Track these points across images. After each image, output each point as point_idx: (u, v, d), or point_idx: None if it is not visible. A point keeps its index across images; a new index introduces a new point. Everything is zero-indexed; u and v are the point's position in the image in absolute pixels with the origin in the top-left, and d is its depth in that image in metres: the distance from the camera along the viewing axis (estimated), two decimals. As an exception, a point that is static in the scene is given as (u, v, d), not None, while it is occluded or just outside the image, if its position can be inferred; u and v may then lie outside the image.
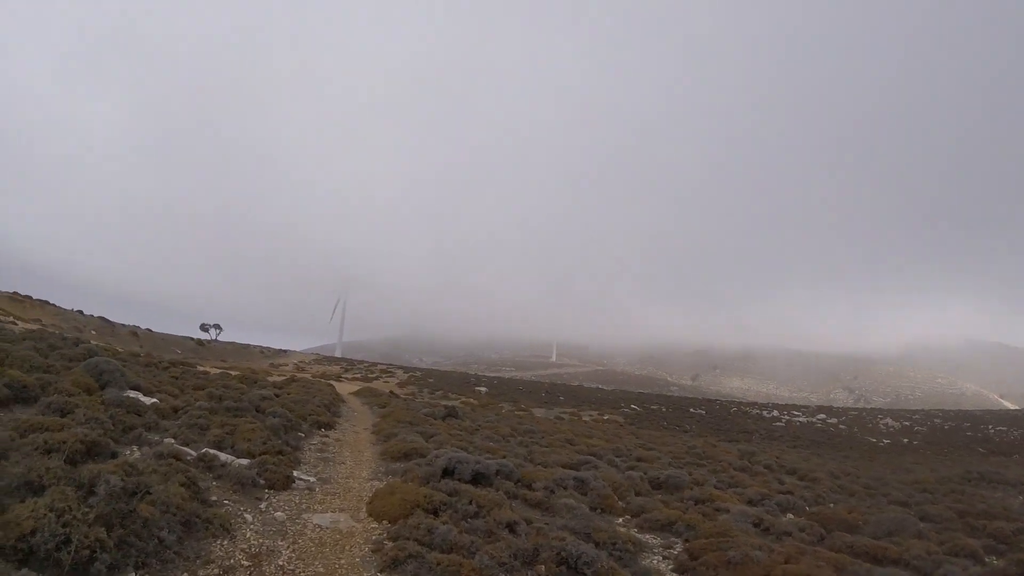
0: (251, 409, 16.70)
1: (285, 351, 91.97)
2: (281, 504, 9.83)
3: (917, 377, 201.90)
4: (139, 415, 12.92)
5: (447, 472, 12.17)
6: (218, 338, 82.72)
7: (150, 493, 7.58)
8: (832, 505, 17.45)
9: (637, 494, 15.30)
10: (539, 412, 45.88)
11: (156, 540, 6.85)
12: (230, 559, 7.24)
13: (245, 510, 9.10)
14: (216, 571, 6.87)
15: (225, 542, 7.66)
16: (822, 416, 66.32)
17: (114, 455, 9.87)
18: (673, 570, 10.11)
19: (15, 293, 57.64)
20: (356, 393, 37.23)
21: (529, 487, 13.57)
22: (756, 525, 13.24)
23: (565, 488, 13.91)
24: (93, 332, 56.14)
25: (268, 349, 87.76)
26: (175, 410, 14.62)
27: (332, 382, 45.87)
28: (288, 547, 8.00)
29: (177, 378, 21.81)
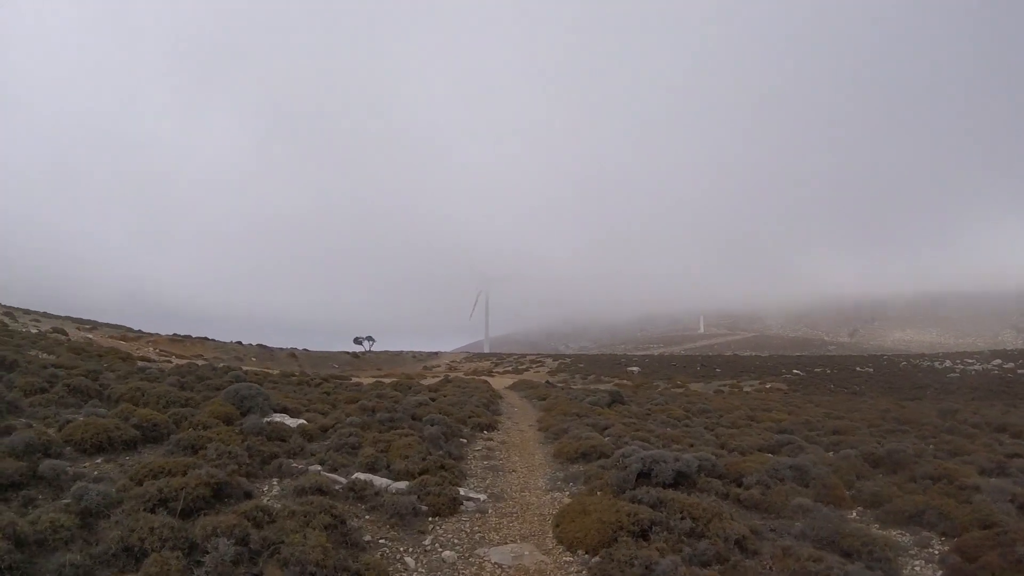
0: (406, 419, 15.11)
1: (436, 353, 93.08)
2: (449, 536, 7.82)
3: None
4: (283, 441, 11.49)
5: (642, 475, 9.68)
6: (372, 349, 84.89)
7: (280, 550, 5.69)
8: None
9: (859, 477, 12.24)
10: (696, 387, 43.27)
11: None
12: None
13: (405, 551, 7.16)
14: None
15: (383, 605, 5.64)
16: (998, 362, 59.36)
17: (248, 495, 8.28)
18: (949, 578, 7.13)
19: (174, 334, 60.61)
20: (512, 387, 35.70)
21: (738, 483, 10.90)
22: (1011, 502, 9.90)
23: (781, 480, 11.06)
24: (253, 359, 58.45)
25: (420, 353, 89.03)
26: (324, 430, 13.19)
27: (485, 378, 44.96)
28: (465, 601, 5.89)
29: (329, 393, 20.87)
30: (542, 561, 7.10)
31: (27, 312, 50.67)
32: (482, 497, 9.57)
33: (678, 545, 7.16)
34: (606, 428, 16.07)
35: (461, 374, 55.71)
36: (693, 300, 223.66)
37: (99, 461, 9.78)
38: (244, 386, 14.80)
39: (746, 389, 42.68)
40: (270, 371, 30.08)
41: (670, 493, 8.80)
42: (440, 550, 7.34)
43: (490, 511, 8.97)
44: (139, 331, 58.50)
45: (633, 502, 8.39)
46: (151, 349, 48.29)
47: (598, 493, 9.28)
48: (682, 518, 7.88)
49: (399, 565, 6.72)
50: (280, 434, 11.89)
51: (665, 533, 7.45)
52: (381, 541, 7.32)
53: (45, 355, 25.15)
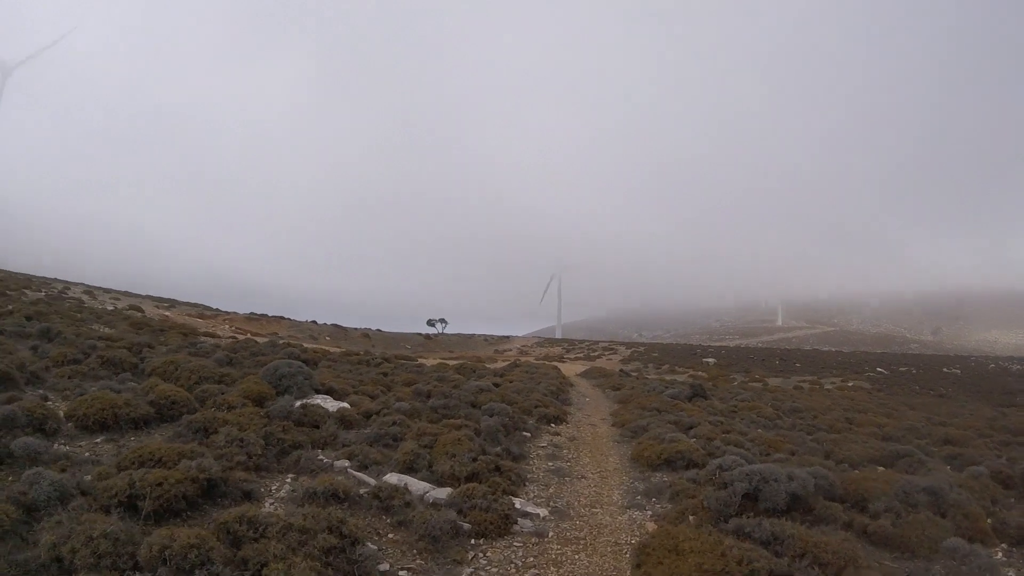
0: (464, 406, 13.40)
1: (508, 337, 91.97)
2: (493, 569, 5.98)
3: None
4: (315, 428, 9.92)
5: (747, 496, 7.55)
6: (444, 331, 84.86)
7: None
8: None
9: (993, 502, 9.82)
10: (775, 382, 40.80)
11: None
12: None
13: (433, 592, 5.30)
14: None
15: None
16: None
17: (248, 496, 6.69)
18: None
19: (251, 313, 60.73)
20: (583, 374, 33.70)
21: (861, 507, 8.61)
22: None
23: (914, 506, 8.66)
24: (327, 338, 58.16)
25: (491, 337, 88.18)
26: (367, 416, 11.57)
27: (556, 364, 43.31)
28: None
29: (387, 374, 19.39)
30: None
31: (108, 291, 51.32)
32: (542, 513, 7.65)
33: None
34: (691, 427, 13.90)
35: (531, 359, 54.15)
36: (772, 290, 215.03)
37: (99, 440, 8.48)
38: (284, 363, 13.37)
39: (827, 386, 39.99)
40: (330, 349, 29.01)
41: (787, 526, 6.67)
42: (480, 592, 5.49)
43: (551, 534, 7.04)
44: (216, 309, 59.14)
45: (739, 536, 6.35)
46: (227, 327, 48.36)
47: (691, 518, 7.24)
48: (810, 564, 5.80)
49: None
50: (313, 419, 10.35)
51: (791, 589, 5.37)
52: (401, 573, 5.52)
53: (105, 329, 24.86)
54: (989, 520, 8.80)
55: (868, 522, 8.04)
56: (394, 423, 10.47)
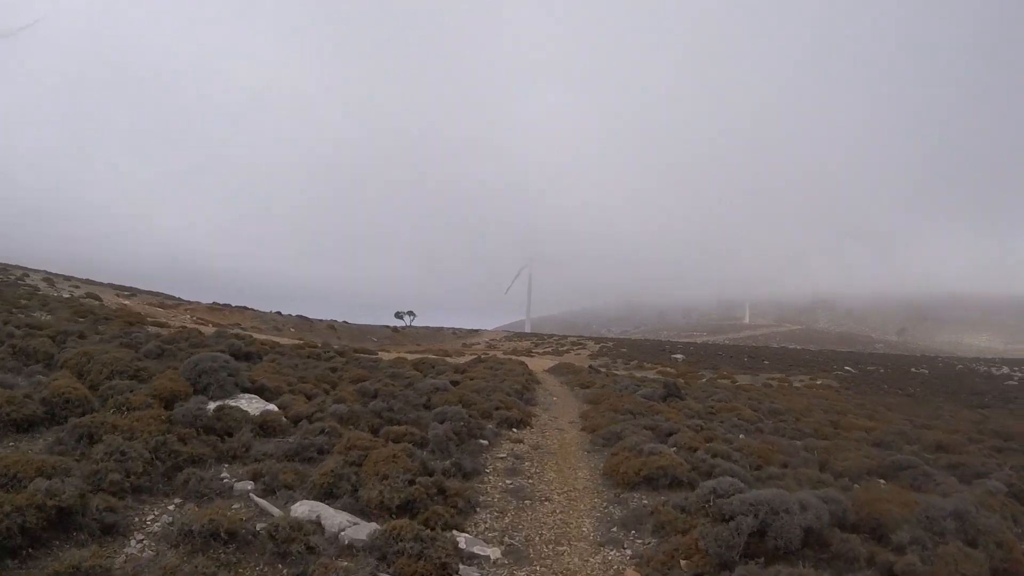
0: (412, 408, 11.72)
1: (477, 331, 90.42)
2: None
3: None
4: (227, 436, 8.19)
5: (755, 533, 6.02)
6: (412, 324, 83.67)
7: None
8: None
9: (1014, 521, 8.73)
10: (744, 379, 40.56)
11: None
12: None
13: None
14: None
15: None
16: None
17: (108, 529, 5.04)
18: None
19: (214, 303, 58.60)
20: (551, 370, 32.12)
21: (878, 537, 7.20)
22: None
23: (941, 534, 7.25)
24: (292, 330, 56.71)
25: (460, 330, 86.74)
26: (296, 421, 9.84)
27: (524, 358, 42.17)
28: None
29: (336, 370, 17.58)
30: None
31: (69, 279, 49.17)
32: (494, 555, 5.99)
33: None
34: (670, 434, 12.37)
35: (499, 353, 52.80)
36: (736, 291, 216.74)
37: (-43, 449, 6.70)
38: (207, 357, 11.51)
39: (796, 384, 39.69)
40: (280, 342, 27.03)
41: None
42: None
43: (504, 590, 5.41)
44: (178, 299, 57.07)
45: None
46: (188, 316, 46.74)
47: (683, 563, 5.67)
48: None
49: None
50: (227, 425, 8.62)
51: None
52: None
53: (46, 316, 22.95)
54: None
55: (893, 559, 6.57)
56: (323, 431, 8.75)
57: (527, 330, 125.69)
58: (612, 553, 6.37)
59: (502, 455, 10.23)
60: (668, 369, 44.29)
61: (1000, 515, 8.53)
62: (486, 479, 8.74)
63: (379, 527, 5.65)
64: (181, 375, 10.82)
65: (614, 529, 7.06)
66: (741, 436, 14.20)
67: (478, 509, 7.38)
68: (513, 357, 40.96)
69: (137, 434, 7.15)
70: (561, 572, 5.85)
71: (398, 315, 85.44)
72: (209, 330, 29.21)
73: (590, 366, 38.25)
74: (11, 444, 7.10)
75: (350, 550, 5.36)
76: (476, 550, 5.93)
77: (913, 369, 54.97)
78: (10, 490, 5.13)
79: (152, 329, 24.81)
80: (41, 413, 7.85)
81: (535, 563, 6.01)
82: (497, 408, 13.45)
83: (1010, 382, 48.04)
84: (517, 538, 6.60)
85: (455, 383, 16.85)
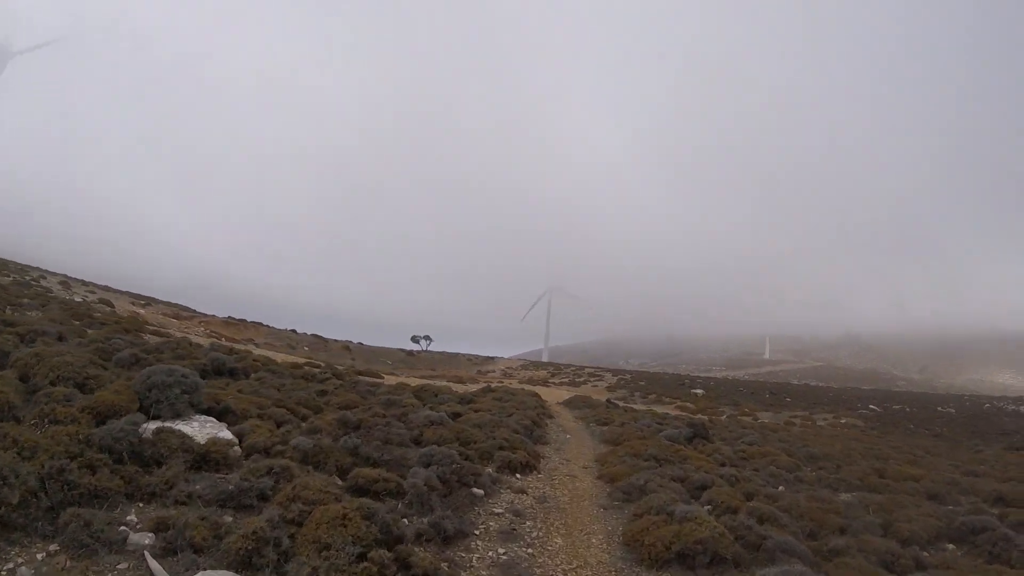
0: (400, 445, 9.94)
1: (493, 358, 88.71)
2: None
3: None
4: (155, 466, 6.51)
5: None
6: (428, 348, 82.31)
7: None
8: None
9: None
10: (765, 416, 39.15)
11: None
12: None
13: None
14: None
15: None
16: None
17: None
18: None
19: (230, 317, 57.91)
20: (567, 403, 30.14)
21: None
22: None
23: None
24: (306, 348, 55.70)
25: (476, 357, 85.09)
26: (248, 455, 8.09)
27: (539, 388, 40.64)
28: None
29: (325, 393, 15.80)
30: None
31: (86, 284, 48.35)
32: None
33: None
34: (702, 488, 10.43)
35: (515, 381, 51.18)
36: (756, 325, 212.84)
37: None
38: (163, 370, 9.81)
39: (820, 423, 37.80)
40: (277, 359, 25.35)
41: None
42: None
43: None
44: (194, 311, 56.23)
45: None
46: (201, 329, 45.80)
47: None
48: None
49: None
50: (159, 453, 6.89)
51: None
52: None
53: (36, 314, 21.94)
54: None
55: None
56: (270, 471, 6.97)
57: (544, 359, 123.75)
58: None
59: (499, 510, 8.31)
60: (687, 404, 42.83)
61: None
62: (473, 545, 6.83)
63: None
64: (132, 388, 9.20)
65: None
66: (781, 488, 12.24)
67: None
68: (527, 387, 39.12)
69: (39, 454, 5.53)
70: None
71: (414, 339, 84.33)
72: (202, 341, 27.79)
73: (608, 400, 36.11)
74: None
75: None
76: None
77: (939, 408, 52.38)
78: None
79: (149, 338, 23.54)
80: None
81: None
82: (500, 448, 11.55)
83: (1037, 421, 45.41)
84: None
85: (456, 415, 15.01)
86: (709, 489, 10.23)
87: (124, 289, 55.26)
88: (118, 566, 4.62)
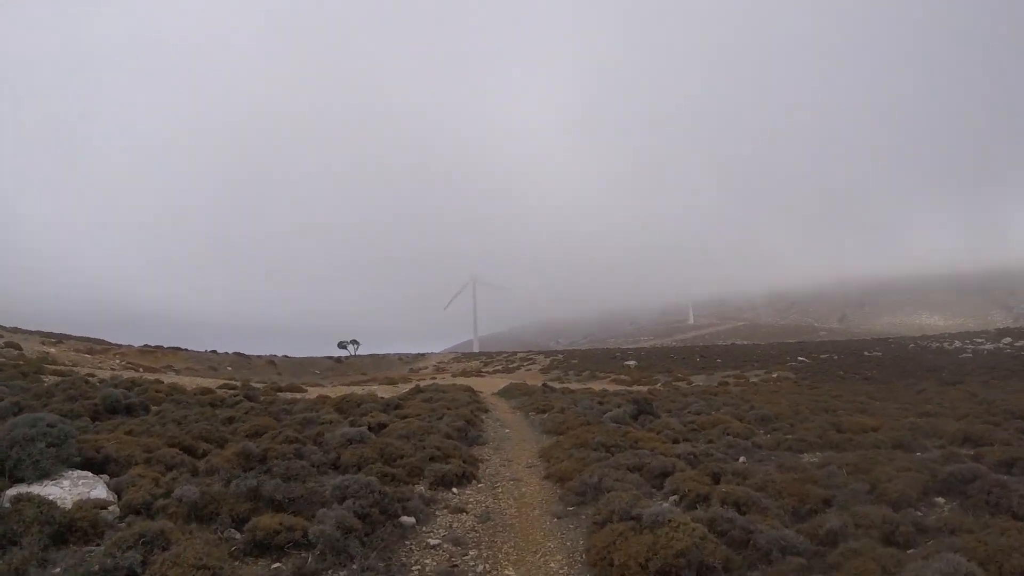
0: (314, 474, 8.57)
1: (424, 354, 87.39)
2: None
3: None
4: (12, 545, 5.02)
5: None
6: (356, 353, 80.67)
7: None
8: None
9: None
10: (699, 379, 40.07)
11: None
12: None
13: None
14: None
15: None
16: (1008, 340, 56.44)
17: None
18: None
19: (145, 345, 55.05)
20: (502, 392, 29.10)
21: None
22: None
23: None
24: (229, 368, 53.93)
25: (406, 355, 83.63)
26: (132, 512, 6.63)
27: (473, 379, 40.19)
28: None
29: (232, 420, 14.15)
30: None
31: None
32: None
33: None
34: (663, 475, 9.49)
35: (448, 375, 50.20)
36: (678, 293, 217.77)
37: None
38: (26, 421, 8.13)
39: (753, 380, 38.60)
40: (187, 386, 23.28)
41: None
42: None
43: None
44: (108, 343, 53.24)
45: None
46: (117, 361, 44.11)
47: None
48: None
49: None
50: (15, 528, 5.44)
51: None
52: None
53: None
54: None
55: None
56: (141, 538, 5.53)
57: (475, 349, 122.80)
58: None
59: (435, 540, 6.98)
60: (623, 376, 43.50)
61: None
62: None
63: None
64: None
65: None
66: (742, 459, 11.44)
67: None
68: (460, 380, 38.07)
69: None
70: None
71: (341, 345, 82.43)
72: (104, 374, 25.46)
73: (544, 383, 35.32)
74: None
75: None
76: None
77: (866, 352, 54.81)
78: None
79: (48, 379, 22.20)
80: None
81: None
82: (432, 459, 10.28)
83: (965, 355, 47.97)
84: None
85: (381, 426, 13.64)
86: (671, 476, 9.23)
87: (35, 329, 51.47)
88: None
